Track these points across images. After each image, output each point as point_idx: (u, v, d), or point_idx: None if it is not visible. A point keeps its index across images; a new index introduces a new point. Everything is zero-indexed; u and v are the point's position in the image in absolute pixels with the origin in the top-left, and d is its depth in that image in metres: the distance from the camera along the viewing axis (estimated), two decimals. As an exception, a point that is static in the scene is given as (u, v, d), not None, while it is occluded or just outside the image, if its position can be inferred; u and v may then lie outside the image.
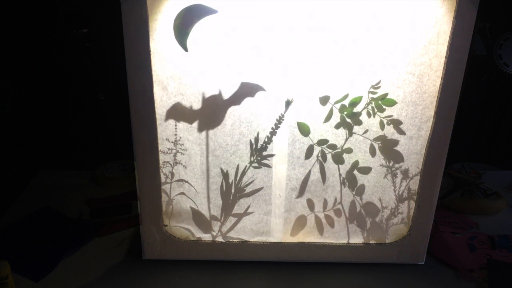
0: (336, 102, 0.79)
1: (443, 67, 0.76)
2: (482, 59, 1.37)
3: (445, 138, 0.81)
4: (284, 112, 0.80)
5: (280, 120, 0.81)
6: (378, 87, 0.78)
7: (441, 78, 0.77)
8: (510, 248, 0.97)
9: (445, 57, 0.75)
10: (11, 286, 0.80)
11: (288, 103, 0.79)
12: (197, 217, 0.89)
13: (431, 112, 0.80)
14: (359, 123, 0.81)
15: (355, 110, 0.80)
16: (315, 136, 0.82)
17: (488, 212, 1.11)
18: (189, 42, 0.74)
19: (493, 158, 1.63)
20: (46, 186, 1.21)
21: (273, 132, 0.82)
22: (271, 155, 0.84)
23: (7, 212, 1.09)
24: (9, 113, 1.32)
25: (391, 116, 0.80)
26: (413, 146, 0.83)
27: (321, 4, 0.72)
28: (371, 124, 0.81)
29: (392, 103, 0.79)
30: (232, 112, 0.80)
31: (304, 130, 0.81)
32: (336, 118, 0.81)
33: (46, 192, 1.18)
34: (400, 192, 0.87)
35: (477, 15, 0.72)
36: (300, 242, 0.91)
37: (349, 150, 0.83)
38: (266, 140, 0.82)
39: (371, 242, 0.91)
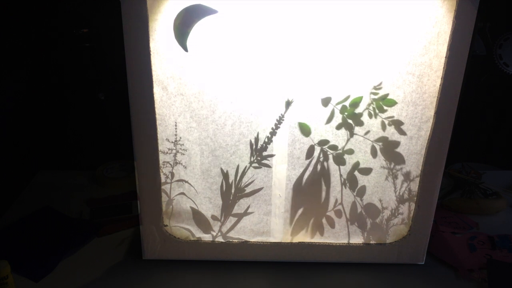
0: (338, 103, 0.79)
1: (443, 67, 0.76)
2: (482, 59, 1.37)
3: (445, 138, 0.81)
4: (284, 112, 0.80)
5: (280, 120, 0.81)
6: (380, 88, 0.78)
7: (441, 78, 0.77)
8: (510, 248, 0.97)
9: (445, 57, 0.75)
10: (11, 286, 0.80)
11: (288, 103, 0.79)
12: (197, 217, 0.89)
13: (431, 112, 0.80)
14: (361, 124, 0.81)
15: (356, 111, 0.80)
16: (315, 137, 0.82)
17: (488, 212, 1.11)
18: (189, 42, 0.74)
19: (493, 158, 1.63)
20: (46, 186, 1.21)
21: (273, 132, 0.82)
22: (271, 155, 0.84)
23: (7, 212, 1.09)
24: (9, 113, 1.32)
25: (392, 117, 0.80)
26: (413, 146, 0.83)
27: (321, 4, 0.72)
28: (371, 125, 0.81)
29: (392, 103, 0.79)
30: (232, 112, 0.80)
31: (305, 130, 0.81)
32: (337, 119, 0.80)
33: (46, 192, 1.18)
34: (401, 193, 0.87)
35: (477, 15, 0.72)
36: (300, 242, 0.91)
37: (350, 151, 0.83)
38: (266, 140, 0.82)
39: (371, 242, 0.91)
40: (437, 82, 0.78)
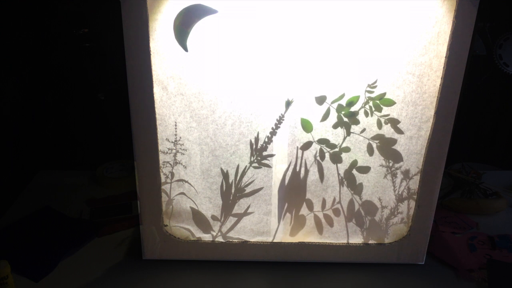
0: (337, 103, 0.79)
1: (443, 67, 0.76)
2: (482, 59, 1.37)
3: (445, 138, 0.81)
4: (284, 112, 0.80)
5: (280, 120, 0.81)
6: (375, 86, 0.78)
7: (441, 78, 0.77)
8: (510, 248, 0.97)
9: (445, 57, 0.75)
10: (11, 286, 0.80)
11: (288, 103, 0.79)
12: (197, 217, 0.89)
13: (431, 112, 0.80)
14: (357, 122, 0.81)
15: (353, 109, 0.80)
16: (315, 136, 0.82)
17: (488, 212, 1.11)
18: (189, 42, 0.74)
19: (493, 158, 1.63)
20: (46, 186, 1.21)
21: (273, 132, 0.82)
22: (271, 155, 0.84)
23: (7, 212, 1.09)
24: (9, 113, 1.32)
25: (388, 115, 0.80)
26: (413, 146, 0.83)
27: (323, 5, 0.72)
28: (368, 123, 0.81)
29: (390, 103, 0.79)
30: (232, 112, 0.80)
31: (306, 127, 0.81)
32: (337, 118, 0.80)
33: (46, 192, 1.18)
34: (400, 192, 0.87)
35: (477, 15, 0.72)
36: (300, 242, 0.91)
37: (347, 149, 0.83)
38: (266, 140, 0.82)
39: (371, 242, 0.91)
40: (437, 82, 0.78)
